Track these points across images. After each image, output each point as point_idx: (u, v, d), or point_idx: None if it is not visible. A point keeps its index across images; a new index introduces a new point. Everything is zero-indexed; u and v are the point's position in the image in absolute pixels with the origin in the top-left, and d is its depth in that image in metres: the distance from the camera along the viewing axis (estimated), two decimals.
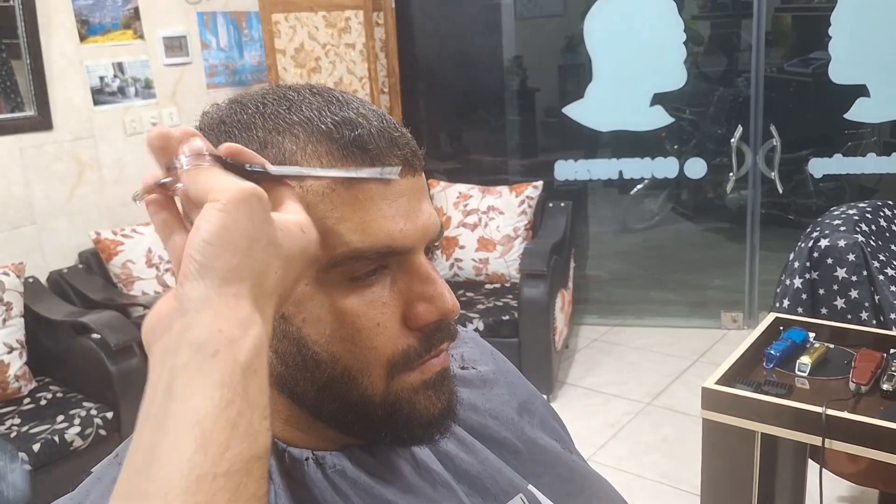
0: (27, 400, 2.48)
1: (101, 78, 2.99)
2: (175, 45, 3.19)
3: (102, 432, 2.39)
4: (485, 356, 0.82)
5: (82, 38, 2.92)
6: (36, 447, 2.23)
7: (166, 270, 2.96)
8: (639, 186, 4.61)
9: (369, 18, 3.19)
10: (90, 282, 2.87)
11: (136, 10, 3.04)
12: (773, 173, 3.28)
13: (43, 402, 2.46)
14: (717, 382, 1.56)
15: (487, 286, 3.22)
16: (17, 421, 2.35)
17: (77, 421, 2.36)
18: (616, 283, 4.10)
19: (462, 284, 3.24)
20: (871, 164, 3.24)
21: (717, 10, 5.19)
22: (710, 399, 1.53)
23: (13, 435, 2.27)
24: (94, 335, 2.46)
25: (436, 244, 0.62)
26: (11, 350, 2.46)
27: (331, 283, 0.55)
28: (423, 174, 0.61)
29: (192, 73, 3.27)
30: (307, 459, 0.61)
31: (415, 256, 0.58)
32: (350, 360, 0.56)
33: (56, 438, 2.28)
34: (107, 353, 2.42)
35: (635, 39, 3.24)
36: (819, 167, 3.31)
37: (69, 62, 2.88)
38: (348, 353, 0.56)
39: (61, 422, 2.35)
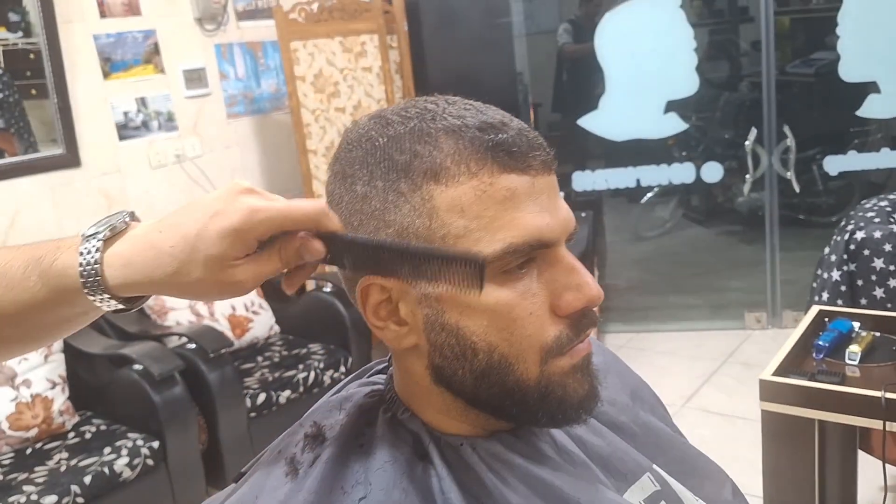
0: (72, 434, 2.49)
1: (125, 113, 3.03)
2: (195, 78, 3.24)
3: (150, 462, 2.40)
4: (595, 348, 0.85)
5: (106, 75, 2.97)
6: (87, 480, 2.24)
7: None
8: (649, 194, 4.65)
9: (384, 42, 3.25)
10: (124, 314, 2.89)
11: (156, 44, 3.10)
12: (788, 173, 3.33)
13: (88, 436, 2.48)
14: (773, 374, 1.58)
15: None
16: (64, 455, 2.36)
17: (125, 452, 2.37)
18: (636, 291, 4.13)
19: None
20: (885, 159, 3.28)
21: (714, 16, 5.28)
22: (769, 390, 1.56)
23: (63, 469, 2.29)
24: (136, 366, 2.48)
25: (572, 236, 0.66)
26: (54, 385, 2.49)
27: (486, 277, 0.59)
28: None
29: (212, 104, 3.32)
30: (462, 445, 0.65)
31: (558, 249, 0.62)
32: (506, 347, 0.60)
33: (106, 470, 2.30)
34: (150, 384, 2.44)
35: (647, 49, 3.30)
36: (834, 164, 3.35)
37: (94, 99, 2.93)
38: (505, 341, 0.60)
39: (109, 454, 2.36)
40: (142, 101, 3.08)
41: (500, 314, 0.59)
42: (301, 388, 2.85)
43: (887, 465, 1.93)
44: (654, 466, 0.76)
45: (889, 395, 1.44)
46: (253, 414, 2.71)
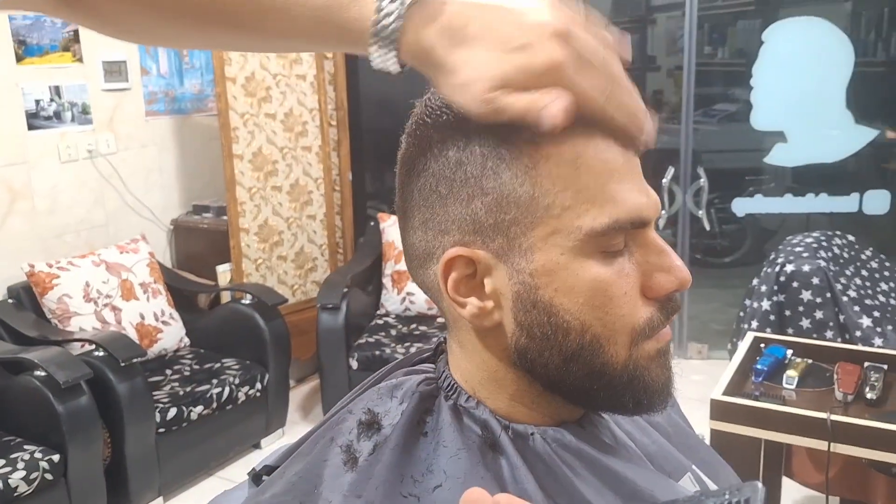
0: None
1: (37, 102, 2.83)
2: (114, 70, 3.07)
3: (49, 476, 2.21)
4: None
5: (19, 58, 2.76)
6: None
7: (105, 305, 2.79)
8: None
9: (319, 52, 3.20)
10: (22, 318, 2.67)
11: (76, 32, 2.92)
12: (700, 212, 3.49)
13: None
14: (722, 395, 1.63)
15: (440, 319, 3.22)
16: None
17: (21, 465, 2.17)
18: None
19: (414, 318, 3.24)
20: (788, 204, 3.50)
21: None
22: (719, 410, 1.61)
23: None
24: (38, 373, 2.29)
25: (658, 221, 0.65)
26: None
27: (585, 253, 0.56)
28: None
29: (130, 100, 3.15)
30: (532, 434, 0.62)
31: (649, 230, 0.60)
32: (600, 327, 0.58)
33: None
34: (53, 392, 2.25)
35: None
36: (741, 207, 3.55)
37: (4, 84, 2.72)
38: (598, 320, 0.58)
39: (3, 467, 2.15)
40: (56, 90, 2.88)
41: (598, 292, 0.57)
42: (215, 404, 2.71)
43: (811, 485, 2.03)
44: (693, 466, 0.76)
45: (834, 418, 1.51)
46: (162, 429, 2.55)
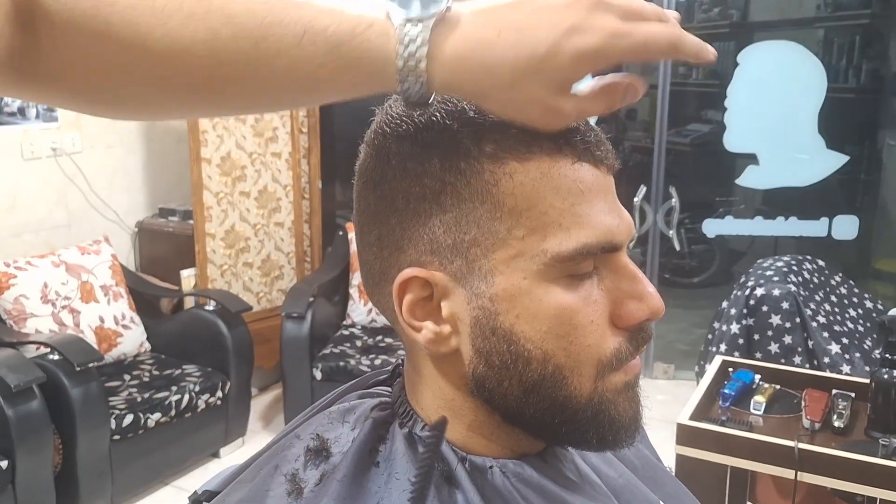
0: None
1: (0, 97, 2.75)
2: None
3: None
4: None
5: None
6: None
7: (63, 307, 2.71)
8: None
9: None
10: None
11: None
12: (671, 232, 3.50)
13: None
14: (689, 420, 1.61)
15: None
16: None
17: None
18: None
19: (380, 330, 3.20)
20: (759, 226, 3.52)
21: None
22: (685, 435, 1.59)
23: None
24: None
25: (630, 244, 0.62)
26: None
27: (550, 278, 0.53)
28: None
29: None
30: (491, 468, 0.59)
31: (621, 254, 0.57)
32: (563, 358, 0.54)
33: None
34: (4, 396, 2.17)
35: None
36: (711, 227, 3.56)
37: None
38: (562, 350, 0.54)
39: None
40: None
41: (562, 320, 0.53)
42: (173, 412, 2.63)
43: None
44: (661, 502, 0.73)
45: (802, 446, 1.50)
46: (117, 437, 2.47)
